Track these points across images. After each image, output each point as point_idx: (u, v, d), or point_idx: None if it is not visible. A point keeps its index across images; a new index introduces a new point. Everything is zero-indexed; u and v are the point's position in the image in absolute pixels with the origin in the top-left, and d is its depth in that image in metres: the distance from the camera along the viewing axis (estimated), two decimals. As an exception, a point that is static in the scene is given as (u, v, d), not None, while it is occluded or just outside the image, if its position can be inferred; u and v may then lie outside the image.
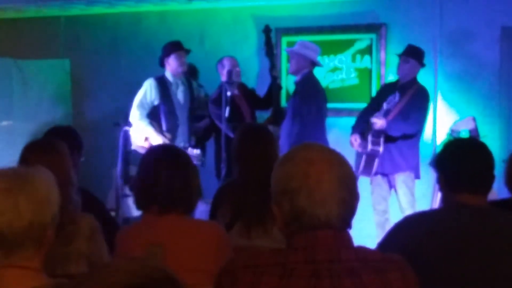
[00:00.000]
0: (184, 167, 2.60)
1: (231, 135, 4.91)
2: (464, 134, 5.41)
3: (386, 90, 5.42)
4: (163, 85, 5.46)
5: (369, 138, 5.13)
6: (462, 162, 2.33)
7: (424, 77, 5.53)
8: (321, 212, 1.60)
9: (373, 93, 5.96)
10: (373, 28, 6.17)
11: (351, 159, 4.45)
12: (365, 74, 6.26)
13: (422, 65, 5.29)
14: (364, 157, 5.21)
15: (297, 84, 5.50)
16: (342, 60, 6.33)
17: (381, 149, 5.11)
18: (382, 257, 1.66)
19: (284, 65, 6.43)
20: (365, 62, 6.26)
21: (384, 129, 5.06)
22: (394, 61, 5.69)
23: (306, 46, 5.47)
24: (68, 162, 2.76)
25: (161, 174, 2.54)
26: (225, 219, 3.12)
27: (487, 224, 2.23)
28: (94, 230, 2.68)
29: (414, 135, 5.21)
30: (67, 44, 7.45)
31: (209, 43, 6.76)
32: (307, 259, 1.59)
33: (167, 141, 5.30)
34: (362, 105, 5.67)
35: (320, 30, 6.31)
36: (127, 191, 5.51)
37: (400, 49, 5.38)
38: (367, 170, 5.22)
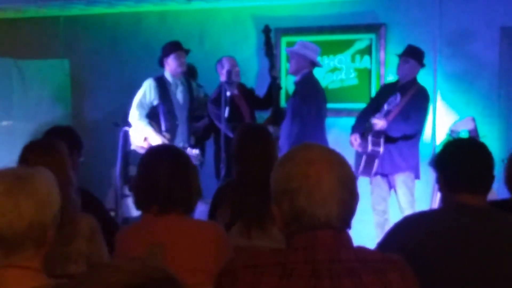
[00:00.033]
0: (183, 168, 2.60)
1: (231, 135, 4.90)
2: (464, 134, 5.41)
3: (386, 90, 5.41)
4: (162, 85, 5.46)
5: (369, 138, 5.13)
6: (461, 162, 2.33)
7: (423, 77, 5.54)
8: (321, 212, 1.60)
9: (373, 93, 5.96)
10: (372, 28, 6.17)
11: (350, 159, 4.46)
12: (365, 74, 6.26)
13: (422, 65, 5.29)
14: (364, 158, 5.21)
15: (296, 84, 5.50)
16: (341, 60, 6.33)
17: (381, 149, 5.11)
18: (382, 257, 1.66)
19: (284, 65, 6.44)
20: (364, 62, 6.26)
21: (385, 129, 5.06)
22: (393, 61, 5.69)
23: (306, 46, 5.47)
24: (68, 162, 2.77)
25: (161, 174, 2.54)
26: (225, 219, 3.12)
27: (486, 224, 2.23)
28: (93, 230, 2.68)
29: (414, 136, 5.21)
30: (66, 44, 7.45)
31: (208, 43, 6.76)
32: (307, 259, 1.59)
33: (166, 141, 5.30)
34: (362, 105, 5.67)
35: (319, 30, 6.31)
36: (126, 191, 5.51)
37: (400, 49, 5.38)
38: (367, 171, 5.22)
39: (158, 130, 5.41)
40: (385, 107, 5.02)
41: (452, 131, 5.64)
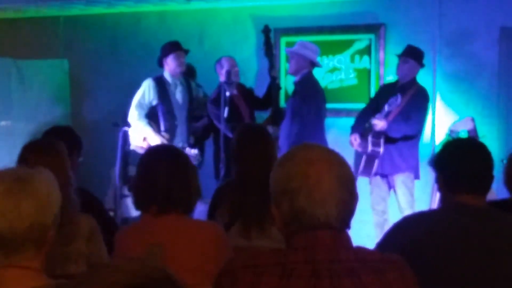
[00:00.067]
0: (183, 168, 2.60)
1: (230, 135, 4.91)
2: (463, 135, 5.41)
3: (386, 90, 5.41)
4: (161, 85, 5.46)
5: (369, 139, 5.13)
6: (461, 162, 2.33)
7: (423, 77, 5.53)
8: (320, 212, 1.60)
9: (372, 94, 5.96)
10: (372, 28, 6.17)
11: (350, 160, 4.45)
12: (364, 75, 6.26)
13: (421, 65, 5.29)
14: (364, 158, 5.21)
15: (296, 84, 5.51)
16: (341, 60, 6.33)
17: (381, 150, 5.10)
18: (381, 257, 1.66)
19: (283, 65, 6.44)
20: (364, 62, 6.26)
21: (385, 130, 5.06)
22: (393, 61, 5.69)
23: (305, 46, 5.48)
24: (67, 162, 2.77)
25: (160, 174, 2.54)
26: (224, 219, 3.12)
27: (486, 224, 2.23)
28: (93, 230, 2.68)
29: (415, 136, 5.21)
30: (66, 44, 7.45)
31: (208, 43, 6.76)
32: (307, 259, 1.59)
33: (165, 141, 5.29)
34: (361, 105, 5.67)
35: (319, 30, 6.31)
36: (126, 191, 5.51)
37: (399, 49, 5.38)
38: (367, 171, 5.22)
39: (157, 130, 5.41)
40: (386, 108, 5.01)
41: (451, 131, 5.64)
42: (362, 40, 6.25)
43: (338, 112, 6.19)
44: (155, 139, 5.30)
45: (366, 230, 5.23)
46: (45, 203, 1.78)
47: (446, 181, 2.35)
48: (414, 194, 5.26)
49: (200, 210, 3.43)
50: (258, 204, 2.97)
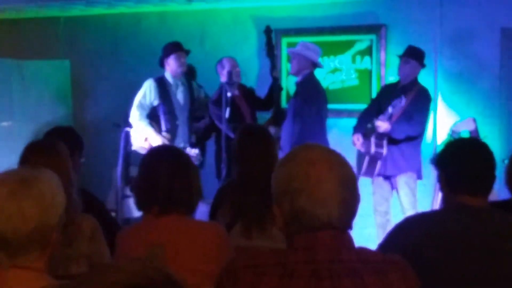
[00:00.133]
0: (184, 168, 2.60)
1: (232, 135, 4.91)
2: (465, 135, 5.41)
3: (388, 91, 5.41)
4: (162, 85, 5.46)
5: (372, 140, 5.12)
6: (462, 162, 2.32)
7: (424, 78, 5.53)
8: (321, 212, 1.60)
9: (373, 94, 5.95)
10: (373, 29, 6.17)
11: (351, 160, 4.45)
12: (365, 75, 6.26)
13: (422, 65, 5.28)
14: (367, 158, 5.20)
15: (297, 84, 5.50)
16: (342, 61, 6.33)
17: (384, 151, 5.10)
18: (383, 258, 1.66)
19: (284, 65, 6.44)
20: (365, 63, 6.26)
21: (388, 132, 5.06)
22: (394, 62, 5.69)
23: (307, 47, 5.48)
24: (69, 163, 2.76)
25: (162, 175, 2.54)
26: (225, 220, 3.12)
27: (487, 225, 2.23)
28: (95, 230, 2.68)
29: (417, 137, 5.21)
30: (67, 44, 7.45)
31: (209, 43, 6.76)
32: (308, 259, 1.59)
33: (166, 142, 5.29)
34: (362, 106, 5.67)
35: (320, 31, 6.31)
36: (127, 191, 5.51)
37: (400, 50, 5.38)
38: (370, 171, 5.22)
39: (159, 130, 5.41)
40: (390, 110, 4.99)
41: (453, 132, 5.64)
42: (363, 41, 6.25)
43: (339, 113, 6.19)
44: (156, 140, 5.30)
45: (368, 231, 5.23)
46: (49, 205, 1.77)
47: (448, 181, 2.34)
48: (416, 194, 5.26)
49: (202, 211, 3.44)
50: (259, 204, 2.97)
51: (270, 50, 5.43)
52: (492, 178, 2.32)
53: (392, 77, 5.89)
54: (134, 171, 5.05)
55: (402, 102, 4.93)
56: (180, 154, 2.68)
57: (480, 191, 2.30)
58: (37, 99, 6.85)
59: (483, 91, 5.82)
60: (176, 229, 2.48)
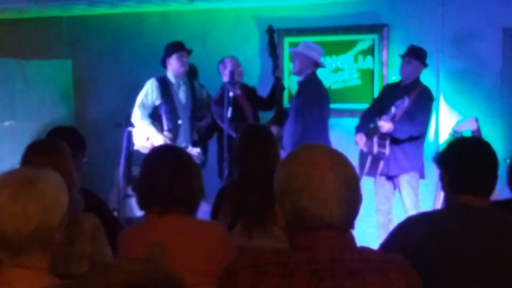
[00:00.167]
0: (186, 168, 2.60)
1: (234, 135, 4.91)
2: (467, 135, 5.40)
3: (390, 90, 5.40)
4: (164, 85, 5.46)
5: (375, 140, 5.12)
6: (464, 161, 2.32)
7: (426, 78, 5.53)
8: (323, 212, 1.60)
9: (375, 94, 5.95)
10: (375, 28, 6.17)
11: (354, 160, 4.46)
12: (367, 75, 6.26)
13: (424, 65, 5.27)
14: (369, 158, 5.20)
15: (300, 84, 5.50)
16: (344, 60, 6.33)
17: (387, 151, 5.09)
18: (385, 258, 1.66)
19: (286, 65, 6.44)
20: (367, 62, 6.26)
21: (391, 132, 5.05)
22: (396, 61, 5.68)
23: (309, 46, 5.48)
24: (71, 163, 2.77)
25: (163, 174, 2.54)
26: (226, 219, 3.12)
27: (488, 225, 2.23)
28: (96, 230, 2.68)
29: (420, 137, 5.20)
30: (69, 44, 7.46)
31: (211, 43, 6.76)
32: (309, 259, 1.59)
33: (168, 141, 5.30)
34: (364, 105, 5.66)
35: (322, 31, 6.31)
36: (129, 191, 5.51)
37: (402, 49, 5.38)
38: (372, 171, 5.21)
39: (160, 130, 5.42)
40: (393, 110, 4.97)
41: (455, 132, 5.64)
42: (365, 41, 6.25)
43: (341, 113, 6.18)
44: (158, 139, 5.30)
45: (370, 230, 5.23)
46: (51, 205, 1.77)
47: (449, 180, 2.34)
48: (419, 194, 5.25)
49: (204, 210, 3.43)
50: (260, 204, 2.97)
51: (273, 49, 5.43)
52: (494, 177, 2.32)
53: (394, 77, 5.89)
54: (136, 170, 5.05)
55: (405, 102, 4.91)
56: (182, 154, 2.68)
57: (482, 191, 2.30)
58: (39, 99, 6.86)
59: (485, 90, 5.81)
60: (177, 229, 2.48)
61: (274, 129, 5.04)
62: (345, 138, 5.78)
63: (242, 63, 5.70)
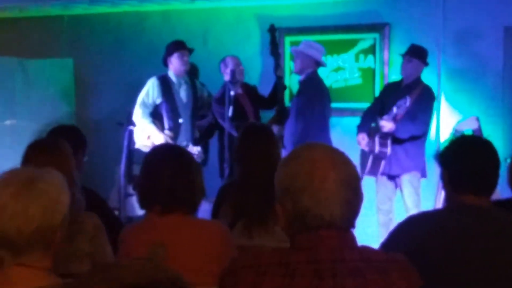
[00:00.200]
0: (186, 167, 2.59)
1: (235, 134, 4.91)
2: (468, 134, 5.40)
3: (391, 89, 5.39)
4: (165, 84, 5.46)
5: (377, 139, 5.11)
6: (466, 160, 2.31)
7: (427, 77, 5.52)
8: (324, 212, 1.60)
9: (377, 93, 5.94)
10: (376, 27, 6.16)
11: (355, 159, 4.44)
12: (369, 74, 6.25)
13: (425, 64, 5.27)
14: (371, 158, 5.19)
15: (301, 83, 5.50)
16: (345, 59, 6.32)
17: (388, 150, 5.09)
18: (386, 257, 1.66)
19: (287, 64, 6.43)
20: (368, 61, 6.25)
21: (393, 131, 5.05)
22: (397, 60, 5.68)
23: (311, 45, 5.48)
24: (72, 162, 2.77)
25: (164, 173, 2.54)
26: (227, 219, 3.12)
27: (488, 224, 2.22)
28: (97, 229, 2.68)
29: (421, 136, 5.20)
30: (70, 43, 7.45)
31: (212, 42, 6.76)
32: (310, 259, 1.59)
33: (169, 140, 5.30)
34: (366, 105, 5.66)
35: (323, 29, 6.30)
36: (130, 190, 5.51)
37: (404, 48, 5.37)
38: (374, 170, 5.21)
39: (161, 128, 5.42)
40: (394, 110, 4.97)
41: (456, 131, 5.63)
42: (366, 40, 6.24)
43: (342, 112, 6.18)
44: (159, 138, 5.30)
45: (371, 229, 5.23)
46: (53, 205, 1.77)
47: (450, 179, 2.34)
48: (420, 193, 5.25)
49: (205, 209, 3.43)
50: (260, 204, 2.97)
51: (274, 48, 5.43)
52: (495, 177, 2.31)
53: (394, 76, 5.89)
54: (137, 169, 5.04)
55: (407, 102, 4.90)
56: (182, 153, 2.68)
57: (483, 191, 2.29)
58: (40, 97, 6.86)
59: (486, 90, 5.81)
60: (178, 228, 2.48)
61: (275, 128, 5.04)
62: (346, 137, 5.78)
63: (243, 62, 5.69)
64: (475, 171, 2.29)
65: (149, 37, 6.99)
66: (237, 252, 2.48)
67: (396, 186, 5.31)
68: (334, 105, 5.65)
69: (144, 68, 6.46)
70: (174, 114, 5.44)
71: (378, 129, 5.11)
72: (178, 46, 5.46)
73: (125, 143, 5.56)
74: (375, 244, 1.90)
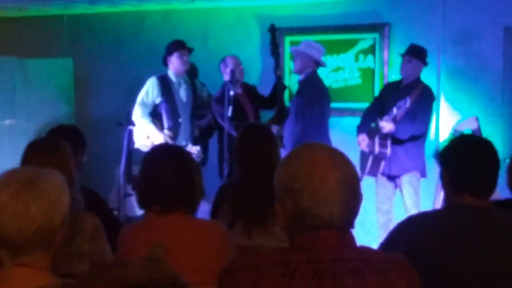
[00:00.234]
0: (186, 167, 2.59)
1: (234, 134, 4.91)
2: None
3: (390, 89, 5.39)
4: (165, 83, 5.46)
5: (376, 140, 5.11)
6: (466, 160, 2.31)
7: (427, 76, 5.52)
8: (324, 212, 1.60)
9: (376, 93, 5.94)
10: (376, 27, 6.16)
11: (355, 159, 4.44)
12: (368, 74, 6.25)
13: (425, 64, 5.27)
14: (370, 158, 5.19)
15: (300, 83, 5.50)
16: (345, 59, 6.32)
17: (388, 151, 5.09)
18: (385, 257, 1.66)
19: (287, 64, 6.43)
20: (368, 61, 6.25)
21: (393, 132, 5.05)
22: (397, 60, 5.68)
23: (311, 45, 5.48)
24: (71, 162, 2.77)
25: (163, 173, 2.54)
26: (227, 218, 3.12)
27: (488, 225, 2.22)
28: (96, 229, 2.68)
29: (421, 136, 5.19)
30: (70, 43, 7.45)
31: (212, 42, 6.76)
32: (309, 259, 1.59)
33: (168, 139, 5.30)
34: (365, 105, 5.66)
35: (323, 29, 6.30)
36: (130, 190, 5.51)
37: (403, 48, 5.37)
38: (373, 171, 5.21)
39: (161, 128, 5.42)
40: (394, 111, 4.96)
41: (455, 131, 5.63)
42: (366, 40, 6.24)
43: (342, 112, 6.18)
44: (158, 137, 5.30)
45: (370, 230, 5.23)
46: (54, 205, 1.77)
47: (450, 178, 2.33)
48: (419, 193, 5.25)
49: (204, 209, 3.44)
50: (260, 203, 2.97)
51: (275, 48, 5.43)
52: (495, 178, 2.30)
53: (394, 76, 5.89)
54: (136, 169, 5.04)
55: (407, 103, 4.90)
56: (182, 153, 2.68)
57: (482, 191, 2.29)
58: (40, 97, 6.86)
59: (486, 90, 5.81)
60: (177, 228, 2.48)
61: (274, 128, 5.04)
62: (345, 137, 5.78)
63: (243, 62, 5.69)
64: (476, 171, 2.29)
65: (148, 37, 6.99)
66: (236, 252, 2.48)
67: (396, 186, 5.31)
68: (333, 105, 5.65)
69: (143, 68, 6.45)
70: (173, 113, 5.44)
71: (378, 129, 5.11)
72: (178, 46, 5.46)
73: (125, 143, 5.56)
74: (375, 245, 1.90)
